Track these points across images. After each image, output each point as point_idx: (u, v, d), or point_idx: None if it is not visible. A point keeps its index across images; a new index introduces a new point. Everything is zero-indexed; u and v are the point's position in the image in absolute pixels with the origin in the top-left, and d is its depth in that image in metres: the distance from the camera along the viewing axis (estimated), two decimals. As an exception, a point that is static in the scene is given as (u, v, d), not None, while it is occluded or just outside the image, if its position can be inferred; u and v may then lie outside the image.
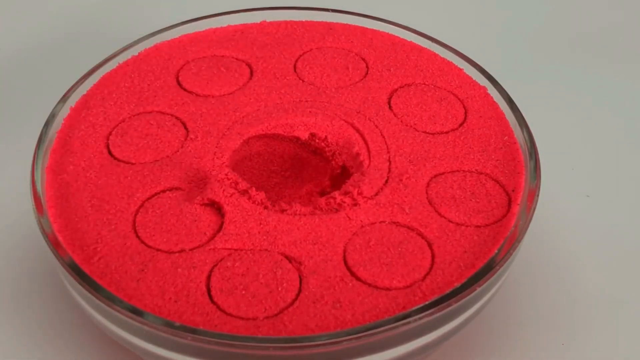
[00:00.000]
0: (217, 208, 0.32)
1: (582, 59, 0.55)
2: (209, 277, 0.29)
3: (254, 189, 0.32)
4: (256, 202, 0.32)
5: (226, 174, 0.33)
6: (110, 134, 0.35)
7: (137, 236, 0.31)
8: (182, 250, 0.30)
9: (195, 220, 0.31)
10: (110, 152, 0.35)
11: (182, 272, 0.29)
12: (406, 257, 0.30)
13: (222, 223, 0.31)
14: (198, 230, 0.31)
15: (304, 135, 0.36)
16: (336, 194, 0.32)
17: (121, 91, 0.38)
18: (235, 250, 0.30)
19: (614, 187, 0.45)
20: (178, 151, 0.34)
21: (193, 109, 0.37)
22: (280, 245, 0.30)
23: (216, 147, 0.35)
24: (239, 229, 0.31)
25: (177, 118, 0.36)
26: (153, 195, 0.32)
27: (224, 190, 0.32)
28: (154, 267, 0.29)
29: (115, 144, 0.35)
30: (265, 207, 0.32)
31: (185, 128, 0.36)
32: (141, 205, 0.32)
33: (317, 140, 0.36)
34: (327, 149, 0.36)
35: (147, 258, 0.30)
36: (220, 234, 0.31)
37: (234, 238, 0.30)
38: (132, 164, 0.34)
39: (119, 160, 0.34)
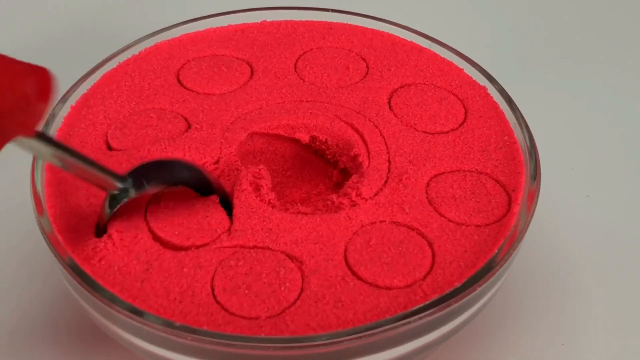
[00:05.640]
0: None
1: (582, 60, 0.55)
2: (213, 276, 0.29)
3: (265, 187, 0.32)
4: (264, 201, 0.32)
5: (260, 168, 0.33)
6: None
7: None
8: (191, 246, 0.30)
9: (207, 216, 0.31)
10: (109, 146, 0.34)
11: (188, 272, 0.29)
12: (407, 257, 0.30)
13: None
14: (210, 227, 0.31)
15: (305, 137, 0.36)
16: (334, 196, 0.32)
17: (121, 90, 0.38)
18: (239, 247, 0.30)
19: (614, 187, 0.45)
20: (182, 136, 0.34)
21: (194, 106, 0.37)
22: (282, 243, 0.30)
23: (222, 138, 0.35)
24: (243, 225, 0.31)
25: (178, 114, 0.36)
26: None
27: (240, 185, 0.32)
28: (159, 267, 0.29)
29: (114, 137, 0.35)
30: (273, 206, 0.32)
31: (187, 122, 0.36)
32: (152, 197, 0.32)
33: (317, 143, 0.36)
34: (327, 151, 0.36)
35: (152, 257, 0.30)
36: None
37: (239, 234, 0.30)
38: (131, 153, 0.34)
39: (117, 150, 0.34)
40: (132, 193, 0.30)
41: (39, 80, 0.22)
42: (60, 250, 0.30)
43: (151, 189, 0.30)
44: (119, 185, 0.29)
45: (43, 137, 0.26)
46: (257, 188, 0.33)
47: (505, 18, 0.60)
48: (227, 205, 0.32)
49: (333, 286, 0.29)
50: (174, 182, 0.31)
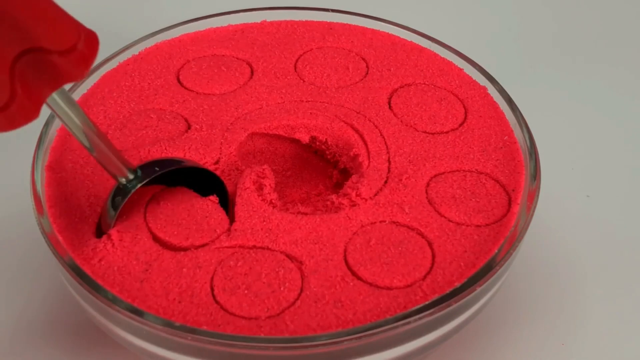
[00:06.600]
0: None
1: (583, 60, 0.55)
2: (212, 276, 0.29)
3: (268, 187, 0.32)
4: (265, 200, 0.32)
5: (264, 168, 0.33)
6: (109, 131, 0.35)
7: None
8: (190, 246, 0.30)
9: (206, 217, 0.31)
10: None
11: (188, 272, 0.29)
12: (406, 257, 0.30)
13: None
14: (209, 227, 0.31)
15: (305, 138, 0.36)
16: (334, 196, 0.32)
17: (121, 90, 0.38)
18: (239, 247, 0.30)
19: (614, 187, 0.45)
20: (182, 137, 0.34)
21: (194, 106, 0.37)
22: (282, 244, 0.30)
23: (222, 138, 0.35)
24: (242, 224, 0.31)
25: (178, 114, 0.36)
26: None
27: (243, 183, 0.32)
28: (158, 267, 0.29)
29: (114, 137, 0.35)
30: (274, 206, 0.32)
31: (187, 122, 0.36)
32: (151, 197, 0.32)
33: (317, 143, 0.36)
34: (327, 151, 0.36)
35: (152, 257, 0.30)
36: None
37: (239, 234, 0.31)
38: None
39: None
40: (137, 183, 0.30)
41: (88, 32, 0.25)
42: (60, 250, 0.30)
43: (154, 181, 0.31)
44: (129, 175, 0.30)
45: (79, 108, 0.27)
46: (259, 187, 0.33)
47: (505, 18, 0.60)
48: (226, 204, 0.32)
49: (333, 286, 0.29)
50: (178, 174, 0.31)
